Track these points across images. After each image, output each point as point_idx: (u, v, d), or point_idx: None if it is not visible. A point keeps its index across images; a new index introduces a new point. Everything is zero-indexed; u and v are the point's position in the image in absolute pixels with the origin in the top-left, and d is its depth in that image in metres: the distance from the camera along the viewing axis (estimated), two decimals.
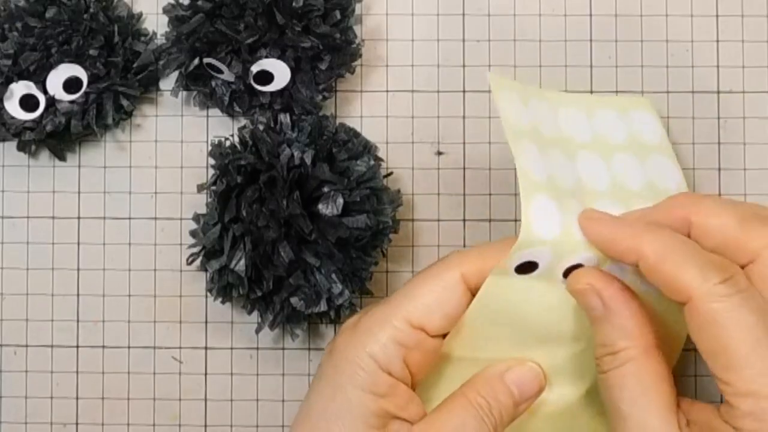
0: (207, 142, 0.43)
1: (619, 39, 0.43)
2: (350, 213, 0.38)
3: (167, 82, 0.42)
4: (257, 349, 0.42)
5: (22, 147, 0.41)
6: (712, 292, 0.29)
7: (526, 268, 0.33)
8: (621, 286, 0.33)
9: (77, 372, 0.43)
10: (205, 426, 0.42)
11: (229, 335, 0.42)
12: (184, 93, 0.43)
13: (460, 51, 0.43)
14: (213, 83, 0.41)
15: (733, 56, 0.43)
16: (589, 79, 0.43)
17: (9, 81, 0.40)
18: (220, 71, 0.40)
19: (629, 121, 0.39)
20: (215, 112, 0.43)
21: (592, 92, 0.42)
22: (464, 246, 0.42)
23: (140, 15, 0.43)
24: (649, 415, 0.31)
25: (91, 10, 0.40)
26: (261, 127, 0.39)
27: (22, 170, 0.43)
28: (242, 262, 0.37)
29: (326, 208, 0.37)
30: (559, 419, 0.37)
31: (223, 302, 0.40)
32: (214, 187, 0.39)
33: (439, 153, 0.43)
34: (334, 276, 0.38)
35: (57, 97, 0.40)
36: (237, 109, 0.41)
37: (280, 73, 0.40)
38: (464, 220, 0.42)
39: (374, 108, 0.43)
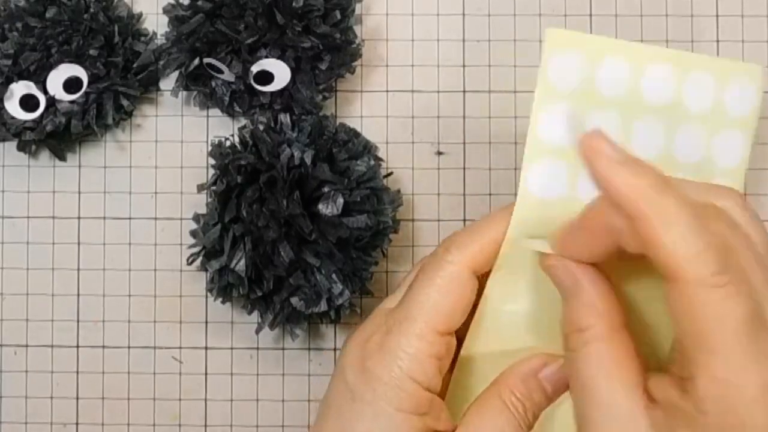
0: (207, 142, 0.43)
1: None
2: (350, 213, 0.38)
3: (167, 82, 0.42)
4: (257, 349, 0.42)
5: (22, 147, 0.41)
6: (705, 282, 0.27)
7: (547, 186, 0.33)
8: (587, 265, 0.32)
9: (77, 372, 0.43)
10: (205, 426, 0.42)
11: (229, 335, 0.42)
12: (184, 93, 0.43)
13: (460, 51, 0.43)
14: (213, 83, 0.41)
15: (733, 56, 0.43)
16: None
17: (9, 81, 0.40)
18: (221, 71, 0.40)
19: (723, 88, 0.37)
20: (215, 112, 0.43)
21: None
22: None
23: (140, 15, 0.43)
24: (614, 393, 0.30)
25: (91, 10, 0.40)
26: (261, 127, 0.39)
27: (22, 170, 0.43)
28: (242, 262, 0.37)
29: (326, 208, 0.37)
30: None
31: (223, 302, 0.40)
32: (214, 187, 0.39)
33: (439, 153, 0.43)
34: (334, 276, 0.38)
35: (57, 97, 0.40)
36: (237, 109, 0.41)
37: (281, 73, 0.39)
38: (464, 220, 0.42)
39: (374, 108, 0.43)
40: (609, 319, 0.31)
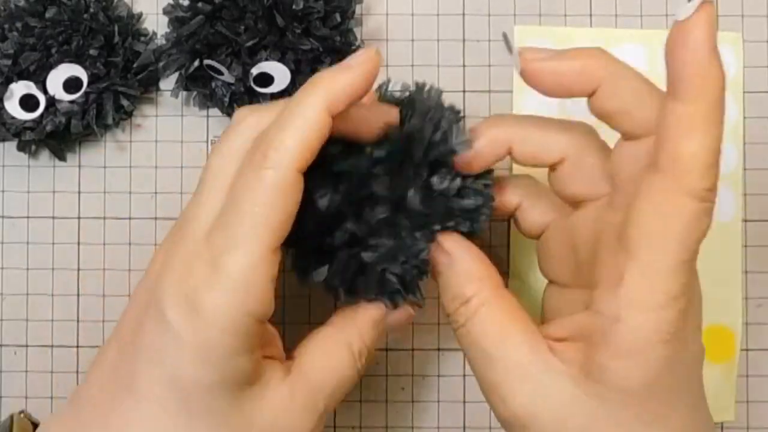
0: (207, 142, 0.43)
1: None
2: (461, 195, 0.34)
3: (167, 82, 0.42)
4: None
5: (22, 147, 0.41)
6: (697, 192, 0.27)
7: None
8: (456, 236, 0.32)
9: (77, 372, 0.43)
10: None
11: None
12: (184, 93, 0.43)
13: (460, 51, 0.43)
14: (213, 84, 0.41)
15: None
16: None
17: (9, 81, 0.40)
18: (220, 73, 0.40)
19: None
20: (215, 112, 0.43)
21: None
22: None
23: (140, 15, 0.43)
24: (517, 351, 0.30)
25: (91, 10, 0.40)
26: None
27: (22, 170, 0.43)
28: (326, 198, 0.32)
29: (441, 184, 0.33)
30: None
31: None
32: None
33: None
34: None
35: (57, 97, 0.40)
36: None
37: (281, 75, 0.39)
38: None
39: None
40: (490, 281, 0.31)
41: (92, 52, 0.40)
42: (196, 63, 0.40)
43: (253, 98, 0.40)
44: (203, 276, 0.29)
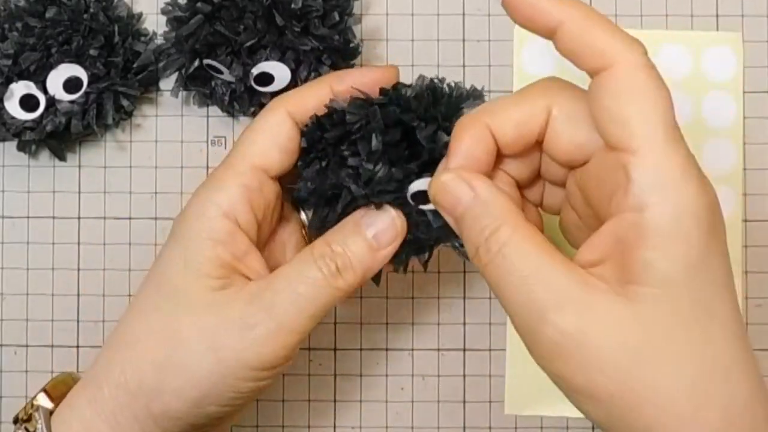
0: (207, 142, 0.43)
1: None
2: None
3: (167, 82, 0.42)
4: None
5: (22, 147, 0.41)
6: (639, 61, 0.28)
7: None
8: (481, 174, 0.32)
9: (77, 372, 0.43)
10: None
11: None
12: (184, 93, 0.43)
13: (460, 51, 0.43)
14: (213, 83, 0.41)
15: None
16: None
17: (9, 81, 0.40)
18: (220, 72, 0.40)
19: (699, 57, 0.42)
20: (215, 111, 0.43)
21: None
22: None
23: (140, 15, 0.43)
24: (557, 272, 0.28)
25: (91, 10, 0.40)
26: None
27: (22, 170, 0.43)
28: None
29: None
30: None
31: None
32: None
33: None
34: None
35: (57, 97, 0.40)
36: (237, 108, 0.41)
37: (281, 74, 0.39)
38: None
39: None
40: (517, 211, 0.31)
41: (92, 52, 0.40)
42: (196, 63, 0.40)
43: (253, 97, 0.41)
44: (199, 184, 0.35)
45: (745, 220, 0.42)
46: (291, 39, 0.39)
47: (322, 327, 0.43)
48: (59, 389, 0.35)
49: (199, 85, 0.41)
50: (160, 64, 0.41)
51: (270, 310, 0.32)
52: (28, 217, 0.43)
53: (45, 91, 0.40)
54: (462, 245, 0.32)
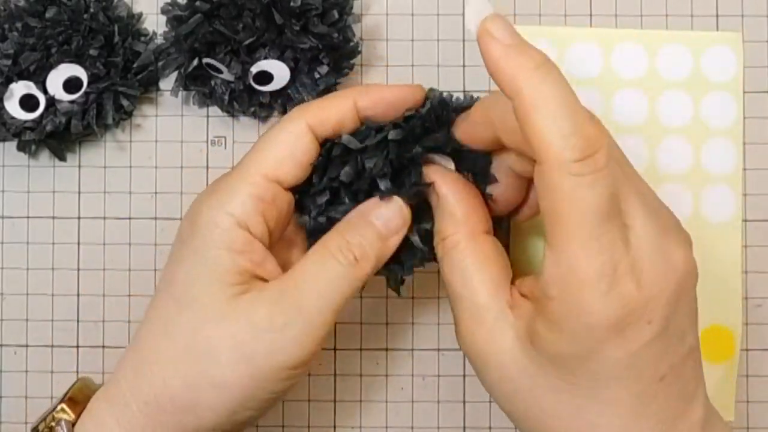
0: (207, 142, 0.43)
1: None
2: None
3: (167, 82, 0.42)
4: None
5: (22, 147, 0.41)
6: (566, 167, 0.28)
7: None
8: (454, 179, 0.34)
9: (77, 372, 0.43)
10: None
11: None
12: (184, 93, 0.43)
13: (460, 51, 0.43)
14: (212, 82, 0.41)
15: None
16: None
17: (9, 81, 0.40)
18: (220, 71, 0.40)
19: (700, 57, 0.42)
20: (215, 111, 0.43)
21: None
22: None
23: (140, 15, 0.43)
24: (477, 293, 0.32)
25: (91, 10, 0.40)
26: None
27: (22, 170, 0.43)
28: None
29: None
30: None
31: None
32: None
33: None
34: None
35: (57, 97, 0.40)
36: (237, 107, 0.41)
37: (280, 73, 0.40)
38: None
39: None
40: (467, 225, 0.33)
41: (92, 52, 0.40)
42: (195, 62, 0.40)
43: (252, 96, 0.41)
44: (209, 189, 0.35)
45: (745, 220, 0.42)
46: (290, 37, 0.39)
47: None
48: (78, 398, 0.35)
49: (199, 85, 0.41)
50: (160, 63, 0.41)
51: (298, 309, 0.33)
52: (28, 217, 0.43)
53: (45, 91, 0.40)
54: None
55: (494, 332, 0.32)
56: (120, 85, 0.41)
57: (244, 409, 0.33)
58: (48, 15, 0.40)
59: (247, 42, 0.39)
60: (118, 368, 0.35)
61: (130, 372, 0.34)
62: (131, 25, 0.42)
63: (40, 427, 0.34)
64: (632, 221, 0.30)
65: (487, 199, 0.35)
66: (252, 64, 0.39)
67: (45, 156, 0.43)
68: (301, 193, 0.35)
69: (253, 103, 0.41)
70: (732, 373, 0.42)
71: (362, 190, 0.35)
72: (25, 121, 0.40)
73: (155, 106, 0.43)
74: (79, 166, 0.43)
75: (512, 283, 0.33)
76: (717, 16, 0.43)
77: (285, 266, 0.35)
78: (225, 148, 0.43)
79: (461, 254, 0.33)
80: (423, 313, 0.43)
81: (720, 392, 0.42)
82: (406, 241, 0.35)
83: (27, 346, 0.43)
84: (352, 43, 0.40)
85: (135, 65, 0.41)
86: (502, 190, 0.35)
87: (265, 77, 0.40)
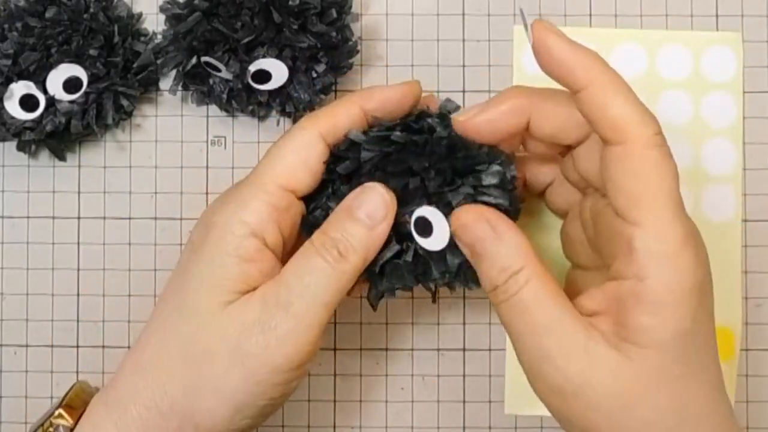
0: (207, 141, 0.43)
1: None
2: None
3: (167, 82, 0.42)
4: None
5: (22, 147, 0.41)
6: (651, 141, 0.30)
7: None
8: (499, 212, 0.34)
9: (77, 372, 0.43)
10: None
11: None
12: (183, 92, 0.43)
13: (460, 51, 0.43)
14: (211, 81, 0.41)
15: None
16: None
17: (9, 81, 0.40)
18: (218, 69, 0.40)
19: (699, 57, 0.42)
20: (215, 111, 0.43)
21: None
22: None
23: (140, 15, 0.43)
24: (567, 322, 0.31)
25: (91, 10, 0.40)
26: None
27: (22, 170, 0.43)
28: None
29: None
30: None
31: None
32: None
33: None
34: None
35: (57, 97, 0.40)
36: (235, 106, 0.41)
37: (278, 72, 0.40)
38: None
39: None
40: (536, 255, 0.33)
41: (92, 52, 0.40)
42: (194, 60, 0.40)
43: (250, 95, 0.41)
44: (222, 196, 0.35)
45: (745, 220, 0.42)
46: (288, 36, 0.39)
47: None
48: (75, 403, 0.35)
49: (198, 83, 0.41)
50: (158, 62, 0.41)
51: (286, 308, 0.33)
52: (28, 217, 0.43)
53: (45, 91, 0.40)
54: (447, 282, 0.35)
55: (593, 354, 0.31)
56: (120, 85, 0.41)
57: (242, 416, 0.33)
58: (48, 15, 0.40)
59: (245, 40, 0.39)
60: (118, 373, 0.35)
61: (129, 377, 0.34)
62: (131, 25, 0.42)
63: None
64: None
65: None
66: (250, 62, 0.39)
67: (45, 156, 0.43)
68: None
69: (252, 101, 0.41)
70: (732, 373, 0.42)
71: (361, 183, 0.35)
72: (25, 121, 0.40)
73: (155, 106, 0.43)
74: (79, 166, 0.43)
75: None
76: (717, 16, 0.43)
77: None
78: (225, 148, 0.43)
79: (544, 284, 0.32)
80: (423, 313, 0.43)
81: None
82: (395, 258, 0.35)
83: (27, 346, 0.43)
84: (350, 43, 0.40)
85: (135, 65, 0.41)
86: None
87: (264, 76, 0.40)
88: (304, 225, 0.36)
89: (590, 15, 0.43)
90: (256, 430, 0.36)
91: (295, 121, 0.42)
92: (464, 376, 0.43)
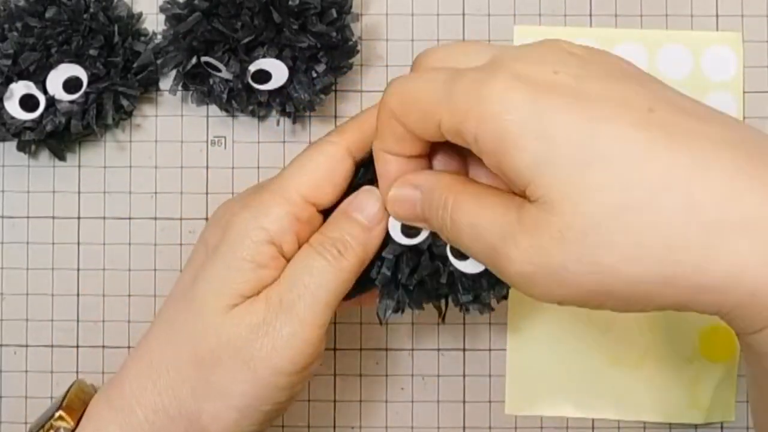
0: (207, 141, 0.43)
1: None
2: None
3: (167, 82, 0.42)
4: None
5: (22, 147, 0.41)
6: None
7: None
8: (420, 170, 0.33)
9: (77, 372, 0.43)
10: None
11: None
12: (183, 92, 0.43)
13: None
14: (211, 81, 0.41)
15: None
16: None
17: (9, 81, 0.40)
18: (218, 69, 0.40)
19: (700, 57, 0.42)
20: (215, 111, 0.43)
21: None
22: None
23: (140, 15, 0.43)
24: (490, 216, 0.30)
25: (91, 10, 0.40)
26: None
27: (22, 170, 0.43)
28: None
29: None
30: None
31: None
32: None
33: None
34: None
35: (57, 97, 0.40)
36: (235, 106, 0.41)
37: (278, 72, 0.40)
38: None
39: None
40: (455, 181, 0.32)
41: (92, 52, 0.40)
42: (194, 60, 0.40)
43: (250, 95, 0.41)
44: (242, 202, 0.35)
45: None
46: (288, 36, 0.39)
47: None
48: (75, 404, 0.35)
49: (198, 83, 0.41)
50: (158, 62, 0.41)
51: (288, 310, 0.33)
52: (28, 217, 0.43)
53: (45, 91, 0.40)
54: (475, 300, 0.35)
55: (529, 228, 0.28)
56: (120, 85, 0.41)
57: (249, 422, 0.33)
58: (48, 15, 0.40)
59: (245, 40, 0.39)
60: (122, 373, 0.34)
61: (135, 378, 0.34)
62: (131, 25, 0.42)
63: None
64: None
65: None
66: (250, 62, 0.39)
67: (45, 156, 0.43)
68: None
69: (252, 101, 0.41)
70: (732, 373, 0.42)
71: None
72: (25, 121, 0.40)
73: (155, 106, 0.43)
74: (79, 166, 0.43)
75: None
76: (717, 16, 0.43)
77: None
78: (225, 148, 0.43)
79: (467, 195, 0.31)
80: (423, 313, 0.43)
81: (720, 392, 0.42)
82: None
83: (27, 346, 0.43)
84: (350, 43, 0.40)
85: (135, 65, 0.41)
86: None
87: (264, 76, 0.40)
88: None
89: (590, 15, 0.43)
90: None
91: (295, 121, 0.42)
92: (464, 376, 0.43)
